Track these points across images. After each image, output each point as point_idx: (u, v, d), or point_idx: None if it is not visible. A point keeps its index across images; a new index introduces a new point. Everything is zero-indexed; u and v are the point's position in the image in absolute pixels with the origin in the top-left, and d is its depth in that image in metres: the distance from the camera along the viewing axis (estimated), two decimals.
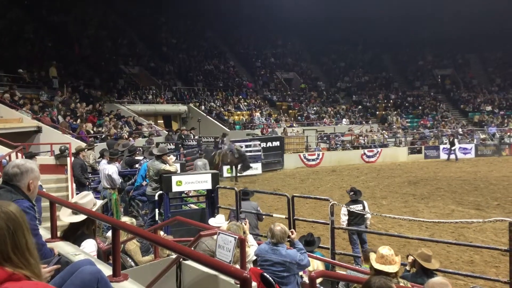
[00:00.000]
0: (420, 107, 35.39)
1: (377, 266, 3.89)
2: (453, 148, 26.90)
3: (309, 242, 6.12)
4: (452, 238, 10.12)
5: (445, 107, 35.72)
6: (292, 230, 5.25)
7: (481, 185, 17.31)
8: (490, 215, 11.63)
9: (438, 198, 15.06)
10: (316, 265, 5.51)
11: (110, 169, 9.49)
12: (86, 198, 3.82)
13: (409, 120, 33.55)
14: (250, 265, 5.00)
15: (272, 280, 4.43)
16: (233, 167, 19.72)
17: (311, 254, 5.61)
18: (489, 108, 34.30)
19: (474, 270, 8.16)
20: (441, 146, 28.36)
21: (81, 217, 3.63)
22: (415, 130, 31.54)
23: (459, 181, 18.41)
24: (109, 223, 3.70)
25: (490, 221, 7.52)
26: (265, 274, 4.51)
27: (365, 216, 8.54)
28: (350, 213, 8.32)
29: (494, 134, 30.35)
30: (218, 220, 5.49)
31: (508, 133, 30.36)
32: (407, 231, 10.83)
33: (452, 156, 26.78)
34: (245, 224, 5.69)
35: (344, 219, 8.43)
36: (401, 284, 3.97)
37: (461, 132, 30.63)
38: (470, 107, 35.13)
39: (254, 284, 3.61)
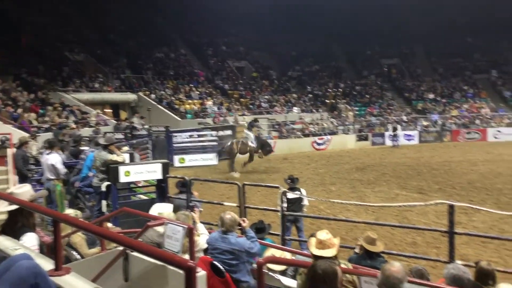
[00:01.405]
0: (367, 96, 36.39)
1: (315, 251, 3.99)
2: (394, 133, 28.06)
3: (260, 229, 6.17)
4: (396, 221, 10.54)
5: (391, 96, 36.94)
6: (244, 218, 5.27)
7: (424, 170, 18.11)
8: (432, 198, 12.16)
9: (383, 183, 15.62)
10: (271, 253, 5.57)
11: (53, 159, 9.12)
12: (22, 189, 3.68)
13: (357, 108, 34.44)
14: (201, 254, 4.99)
15: (222, 268, 4.45)
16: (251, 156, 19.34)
17: (262, 240, 5.66)
18: (432, 96, 35.80)
19: (417, 251, 8.54)
20: (387, 133, 29.41)
21: (14, 206, 3.50)
22: (362, 118, 32.45)
23: (404, 167, 19.17)
24: (49, 216, 3.57)
25: (431, 204, 7.87)
26: (215, 262, 4.53)
27: (301, 203, 8.72)
28: (288, 200, 8.32)
29: (436, 121, 31.80)
30: (161, 208, 5.41)
31: (450, 120, 31.92)
32: (354, 216, 11.17)
33: (395, 143, 27.91)
34: (195, 213, 5.66)
35: (282, 205, 8.47)
36: (342, 265, 4.09)
37: (406, 120, 31.85)
38: (414, 95, 36.51)
39: (203, 272, 3.60)
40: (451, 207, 6.13)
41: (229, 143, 19.45)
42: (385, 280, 2.97)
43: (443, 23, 38.16)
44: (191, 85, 31.63)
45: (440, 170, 18.03)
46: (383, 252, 5.82)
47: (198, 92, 30.92)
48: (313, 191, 14.76)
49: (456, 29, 39.36)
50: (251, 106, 31.77)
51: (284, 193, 7.80)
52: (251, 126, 20.16)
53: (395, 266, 3.02)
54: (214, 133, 22.46)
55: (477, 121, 31.45)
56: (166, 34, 37.59)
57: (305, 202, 8.90)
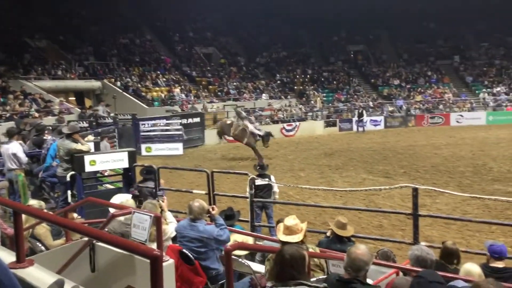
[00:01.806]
0: (335, 82, 36.75)
1: (282, 237, 4.04)
2: (360, 118, 28.57)
3: (229, 216, 6.18)
4: (363, 205, 10.77)
5: (357, 82, 37.43)
6: (213, 206, 5.25)
7: (390, 155, 18.52)
8: (397, 182, 12.47)
9: (351, 168, 15.89)
10: (241, 239, 5.58)
11: (14, 148, 8.81)
12: None
13: (324, 94, 34.75)
14: (169, 242, 4.96)
15: (191, 256, 4.44)
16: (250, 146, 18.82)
17: (231, 227, 5.67)
18: (397, 82, 36.48)
19: (383, 233, 8.75)
20: (354, 119, 29.88)
21: None
22: (330, 104, 32.79)
23: (370, 152, 19.55)
24: (9, 207, 3.46)
25: (396, 187, 8.08)
26: (184, 250, 4.51)
27: (272, 191, 8.70)
28: (256, 187, 8.37)
29: (401, 107, 32.50)
30: (122, 198, 5.33)
31: (414, 105, 32.67)
32: (323, 201, 11.33)
33: (361, 128, 28.43)
34: (163, 201, 5.60)
35: (250, 191, 8.40)
36: (310, 250, 4.15)
37: (372, 105, 32.40)
38: (380, 81, 37.11)
39: (171, 261, 3.58)
40: (415, 190, 6.30)
41: (227, 121, 19.35)
42: (351, 263, 3.02)
43: (407, 10, 38.79)
44: (157, 72, 31.11)
45: (405, 154, 18.47)
46: (352, 236, 5.94)
47: (165, 79, 30.47)
48: (282, 177, 14.87)
49: (420, 16, 40.13)
50: (219, 93, 31.57)
51: (252, 180, 7.82)
52: (240, 115, 19.52)
53: (361, 249, 3.08)
54: (180, 121, 21.95)
55: (441, 106, 32.32)
56: (131, 20, 36.69)
57: (275, 189, 8.87)
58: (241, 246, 3.88)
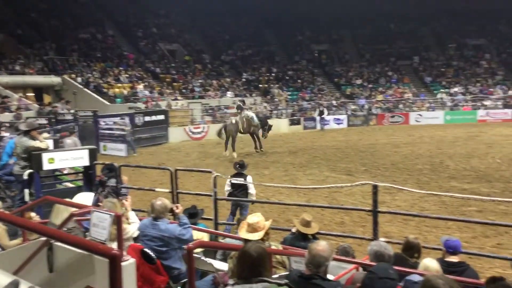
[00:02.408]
0: (299, 81, 37.12)
1: (244, 235, 4.07)
2: (321, 117, 29.04)
3: (192, 214, 6.15)
4: (326, 202, 10.93)
5: (321, 81, 37.95)
6: (178, 204, 5.20)
7: (352, 153, 18.87)
8: (359, 179, 12.69)
9: (314, 166, 16.09)
10: (201, 236, 5.57)
11: None
12: None
13: (289, 92, 35.05)
14: (131, 242, 4.89)
15: (152, 255, 4.39)
16: (254, 135, 18.76)
17: (194, 226, 5.64)
18: (359, 81, 37.23)
19: (345, 230, 8.91)
20: (317, 118, 30.31)
21: None
22: (295, 103, 33.10)
23: (333, 150, 19.86)
24: None
25: (357, 185, 8.25)
26: (146, 249, 4.45)
27: (248, 191, 8.57)
28: (233, 185, 8.49)
29: (363, 106, 33.18)
30: (84, 198, 5.23)
31: (375, 105, 33.44)
32: (286, 198, 11.44)
33: (325, 126, 28.88)
34: (127, 201, 5.51)
35: (226, 189, 8.62)
36: (273, 247, 4.20)
37: (335, 104, 32.94)
38: (343, 80, 37.77)
39: (132, 260, 3.53)
40: (375, 187, 6.45)
41: (232, 121, 18.39)
42: (312, 259, 3.07)
43: (369, 11, 39.64)
44: (120, 68, 30.52)
45: (366, 152, 18.87)
46: (317, 233, 6.02)
47: (127, 76, 29.92)
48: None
49: (381, 17, 41.11)
50: (184, 90, 31.28)
51: (229, 178, 7.80)
52: (241, 107, 19.39)
53: (321, 245, 3.14)
54: (124, 121, 20.53)
55: (401, 106, 33.22)
56: (92, 14, 35.84)
57: (251, 190, 8.62)
58: (202, 244, 3.87)
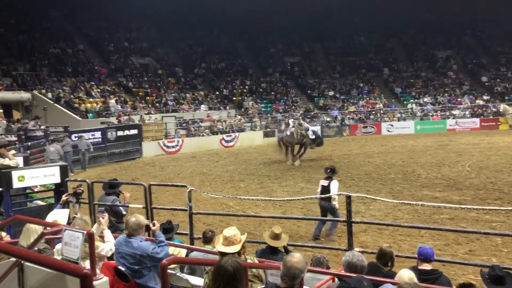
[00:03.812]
0: (272, 93, 37.39)
1: (220, 248, 4.05)
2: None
3: (167, 230, 6.06)
4: (302, 213, 11.00)
5: (295, 93, 38.33)
6: (154, 221, 5.12)
7: (326, 163, 19.00)
8: None
9: (289, 178, 16.18)
10: (177, 252, 5.49)
11: None
12: None
13: (263, 105, 35.24)
14: (105, 260, 4.78)
15: (126, 273, 4.31)
16: (303, 147, 19.79)
17: (169, 241, 5.57)
18: (331, 93, 37.76)
19: (321, 241, 8.97)
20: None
21: None
22: (269, 115, 33.27)
23: (307, 161, 20.01)
24: None
25: (331, 195, 8.32)
26: (120, 267, 4.37)
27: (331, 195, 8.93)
28: (322, 188, 9.32)
29: (336, 117, 33.63)
30: (57, 215, 5.10)
31: (348, 116, 33.95)
32: (262, 210, 11.46)
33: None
34: (103, 218, 5.36)
35: (318, 190, 9.54)
36: (249, 260, 4.18)
37: (309, 116, 33.26)
38: (316, 92, 38.23)
39: (105, 279, 3.46)
40: (349, 197, 6.53)
41: (287, 133, 19.62)
42: (287, 271, 3.08)
43: (340, 24, 40.43)
44: (91, 82, 30.11)
45: (340, 162, 19.08)
46: (289, 245, 6.01)
47: (99, 90, 29.52)
48: (222, 188, 14.88)
49: (352, 30, 41.97)
50: (157, 104, 31.06)
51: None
52: (300, 122, 21.09)
53: (296, 257, 3.15)
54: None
55: (372, 116, 33.81)
56: (63, 28, 35.33)
57: (332, 192, 8.94)
58: (177, 260, 3.83)
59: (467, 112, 33.55)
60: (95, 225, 4.90)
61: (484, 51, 41.60)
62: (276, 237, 5.46)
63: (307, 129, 20.15)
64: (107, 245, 4.90)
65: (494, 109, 32.97)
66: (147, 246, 4.47)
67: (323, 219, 9.14)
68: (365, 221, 8.76)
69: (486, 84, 38.26)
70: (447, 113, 33.71)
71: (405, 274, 3.78)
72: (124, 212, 7.71)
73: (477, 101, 35.00)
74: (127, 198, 8.02)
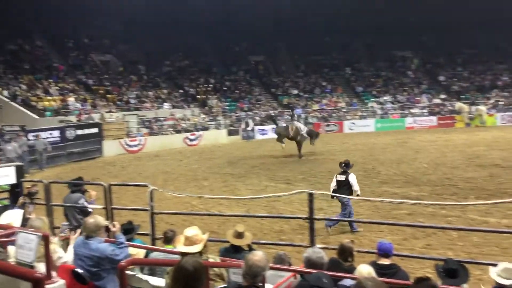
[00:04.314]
0: (237, 91, 37.36)
1: (181, 248, 4.01)
2: (248, 128, 29.41)
3: (128, 230, 5.95)
4: (266, 211, 11.05)
5: (259, 91, 38.44)
6: (115, 223, 5.00)
7: (290, 161, 19.23)
8: (297, 187, 12.97)
9: (253, 176, 16.22)
10: (136, 253, 5.40)
11: None
12: None
13: (227, 103, 35.16)
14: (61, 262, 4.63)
15: (84, 275, 4.20)
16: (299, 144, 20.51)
17: (129, 242, 5.47)
18: (295, 91, 38.10)
19: (284, 238, 9.04)
20: (256, 128, 30.64)
21: None
22: (233, 113, 33.23)
23: (272, 159, 20.14)
24: None
25: (294, 193, 8.39)
26: (77, 269, 4.25)
27: (353, 189, 9.41)
28: (337, 182, 9.53)
29: (300, 115, 33.92)
30: (10, 217, 4.92)
31: (311, 114, 34.36)
32: (226, 209, 11.43)
33: (249, 136, 29.25)
34: (74, 234, 5.12)
35: (332, 185, 9.66)
36: (211, 259, 4.16)
37: (273, 114, 33.44)
38: (280, 90, 38.48)
39: (61, 282, 3.37)
40: (311, 195, 6.60)
41: (285, 125, 20.67)
42: (248, 269, 3.08)
43: (303, 23, 40.75)
44: (50, 80, 29.15)
45: (304, 160, 19.30)
46: (253, 243, 6.02)
47: (58, 88, 28.62)
48: (185, 187, 14.76)
49: (315, 29, 42.38)
50: (118, 102, 30.42)
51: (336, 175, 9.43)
52: (292, 117, 22.41)
53: (257, 255, 3.16)
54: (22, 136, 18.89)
55: (335, 115, 34.36)
56: (20, 24, 33.98)
57: (355, 188, 9.43)
58: (135, 262, 3.76)
59: (425, 111, 34.62)
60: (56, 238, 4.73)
61: (442, 51, 43.01)
62: (239, 235, 5.45)
63: (299, 128, 20.72)
64: (68, 255, 4.72)
65: (450, 108, 34.17)
66: (106, 247, 4.37)
67: (284, 216, 9.20)
68: (327, 217, 8.90)
69: (443, 83, 39.61)
70: (406, 112, 34.68)
71: (364, 269, 3.86)
72: (90, 210, 7.57)
73: (435, 100, 36.19)
74: (93, 196, 7.86)
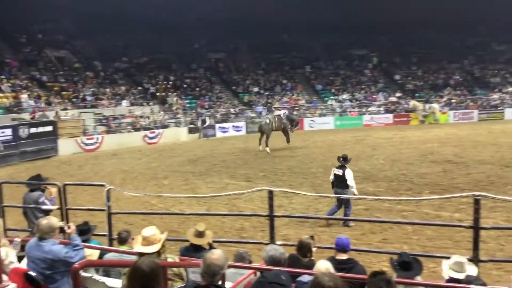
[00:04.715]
0: (197, 89, 37.06)
1: (139, 249, 3.95)
2: (206, 126, 29.33)
3: (84, 231, 5.79)
4: (227, 209, 11.02)
5: (220, 89, 38.29)
6: (70, 224, 4.84)
7: (251, 159, 19.26)
8: (258, 185, 12.96)
9: (214, 174, 16.14)
10: (89, 254, 5.25)
11: None
12: None
13: (188, 101, 34.83)
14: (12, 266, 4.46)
15: (37, 278, 4.06)
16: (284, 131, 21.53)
17: (85, 243, 5.32)
18: (256, 89, 38.22)
19: (245, 236, 9.05)
20: (217, 125, 30.53)
21: None
22: (193, 111, 32.95)
23: (232, 157, 20.11)
24: None
25: (254, 191, 8.40)
26: (30, 272, 4.11)
27: (347, 183, 9.44)
28: (335, 176, 9.64)
29: (261, 113, 34.07)
30: None
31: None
32: (187, 208, 11.33)
33: (205, 133, 29.16)
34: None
35: (331, 177, 9.82)
36: (169, 259, 4.12)
37: (234, 112, 33.46)
38: (241, 88, 38.48)
39: (13, 285, 3.24)
40: (270, 192, 6.64)
41: (266, 121, 20.84)
42: (207, 268, 3.07)
43: (263, 21, 40.88)
44: (1, 76, 27.93)
45: (265, 158, 19.39)
46: (214, 241, 5.98)
47: (10, 85, 27.46)
48: (145, 186, 14.52)
49: (276, 28, 42.64)
50: (74, 99, 29.52)
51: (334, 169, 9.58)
52: (271, 109, 22.51)
53: (215, 254, 3.14)
54: None
55: (295, 112, 34.68)
56: None
57: (350, 182, 9.43)
58: (89, 263, 3.66)
59: (381, 109, 35.57)
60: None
61: (397, 50, 44.29)
62: (199, 234, 5.41)
63: (282, 115, 21.82)
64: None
65: (406, 106, 35.27)
66: (60, 250, 4.24)
67: (244, 214, 9.21)
68: (286, 214, 8.98)
69: (399, 82, 40.82)
70: (364, 109, 35.50)
71: (322, 265, 3.93)
72: (51, 208, 7.31)
73: (391, 98, 37.24)
74: (53, 193, 7.59)
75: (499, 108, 35.12)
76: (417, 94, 37.69)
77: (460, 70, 42.08)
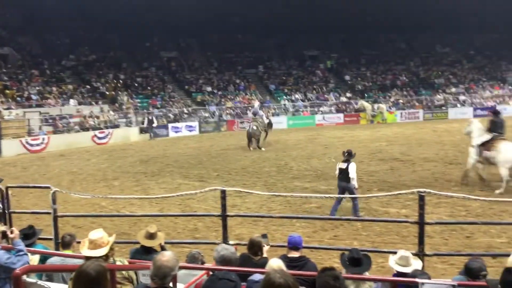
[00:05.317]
0: (149, 88, 36.36)
1: (86, 252, 3.85)
2: (152, 125, 28.90)
3: (28, 235, 5.55)
4: (180, 210, 10.89)
5: (172, 88, 37.75)
6: (13, 228, 4.62)
7: (204, 159, 19.14)
8: (211, 185, 12.90)
9: (167, 174, 15.92)
10: (30, 259, 5.03)
11: None
12: None
13: (139, 100, 34.10)
14: None
15: None
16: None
17: (29, 248, 5.09)
18: (209, 88, 37.98)
19: (199, 236, 8.98)
20: (170, 125, 30.14)
21: None
22: (145, 110, 32.31)
23: (185, 157, 19.91)
24: None
25: (207, 191, 8.36)
26: None
27: (349, 176, 9.64)
28: (339, 170, 9.87)
29: (214, 112, 33.98)
30: None
31: (226, 111, 34.51)
32: (138, 209, 11.10)
33: (153, 134, 28.74)
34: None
35: (336, 172, 10.07)
36: (118, 262, 4.02)
37: (187, 111, 33.12)
38: (194, 87, 38.11)
39: None
40: (223, 192, 6.63)
41: (253, 127, 21.18)
42: (157, 271, 3.02)
43: (215, 20, 40.73)
44: None
45: (218, 158, 19.32)
46: (166, 243, 5.89)
47: None
48: (94, 188, 14.11)
49: (228, 27, 42.61)
50: (18, 98, 28.19)
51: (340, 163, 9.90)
52: (257, 113, 22.61)
53: (165, 256, 3.10)
54: None
55: (249, 112, 34.80)
56: None
57: (351, 174, 9.64)
58: (31, 269, 3.51)
59: (332, 108, 36.37)
60: None
61: (347, 51, 45.41)
62: (150, 236, 5.31)
63: (262, 116, 22.75)
64: None
65: (355, 106, 36.26)
66: (1, 256, 4.06)
67: (197, 214, 9.12)
68: (240, 214, 8.99)
69: (349, 82, 41.88)
70: (316, 109, 36.16)
71: (274, 263, 3.96)
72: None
73: (341, 98, 38.15)
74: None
75: (443, 108, 36.82)
76: (366, 95, 38.82)
77: (406, 72, 43.74)
